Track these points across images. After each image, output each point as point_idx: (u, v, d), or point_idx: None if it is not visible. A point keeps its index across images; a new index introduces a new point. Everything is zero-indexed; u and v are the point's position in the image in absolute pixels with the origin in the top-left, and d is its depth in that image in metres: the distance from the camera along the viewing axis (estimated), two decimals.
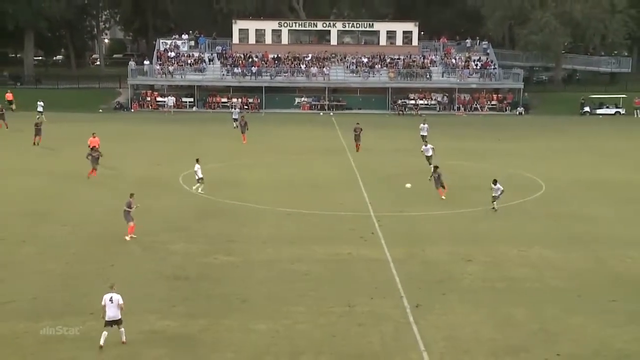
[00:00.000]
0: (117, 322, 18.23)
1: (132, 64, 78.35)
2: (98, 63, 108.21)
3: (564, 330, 19.52)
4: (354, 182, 38.13)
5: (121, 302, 18.23)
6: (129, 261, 24.98)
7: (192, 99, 76.14)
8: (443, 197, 33.76)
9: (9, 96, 69.41)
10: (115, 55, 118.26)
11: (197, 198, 34.46)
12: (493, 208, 32.04)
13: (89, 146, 40.36)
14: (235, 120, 60.48)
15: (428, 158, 40.25)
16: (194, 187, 35.31)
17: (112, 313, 18.14)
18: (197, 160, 35.52)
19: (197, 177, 35.12)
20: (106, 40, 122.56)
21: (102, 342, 18.00)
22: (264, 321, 19.84)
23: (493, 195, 32.79)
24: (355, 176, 39.55)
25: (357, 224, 29.98)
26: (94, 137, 41.99)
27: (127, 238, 26.88)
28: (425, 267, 24.65)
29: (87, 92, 79.37)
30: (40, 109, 62.01)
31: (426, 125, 48.20)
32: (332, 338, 18.89)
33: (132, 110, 74.40)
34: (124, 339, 18.24)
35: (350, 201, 33.98)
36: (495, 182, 32.40)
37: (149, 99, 76.48)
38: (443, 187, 34.06)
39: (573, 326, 19.82)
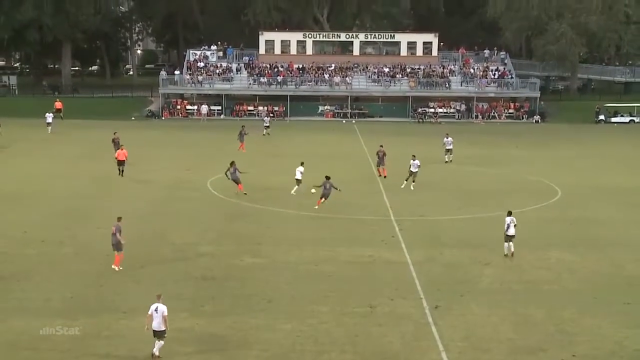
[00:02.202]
0: (158, 335, 17.60)
1: (163, 73, 78.86)
2: (131, 73, 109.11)
3: (580, 331, 19.30)
4: (376, 187, 38.02)
5: (166, 313, 17.61)
6: (159, 262, 25.07)
7: (220, 107, 76.44)
8: (316, 207, 32.48)
9: (59, 105, 70.05)
10: (147, 66, 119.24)
11: (224, 202, 34.55)
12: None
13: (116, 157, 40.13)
14: (267, 127, 60.73)
15: (413, 173, 37.10)
16: (292, 191, 35.33)
17: (156, 324, 17.60)
18: (302, 164, 36.11)
19: (296, 179, 35.53)
20: (139, 51, 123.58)
21: (156, 352, 17.52)
22: (289, 320, 19.83)
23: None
24: (376, 181, 39.43)
25: (378, 227, 29.89)
26: (122, 149, 40.78)
27: (116, 269, 23.91)
28: (444, 270, 24.50)
29: (120, 101, 79.98)
30: (49, 120, 59.65)
31: (450, 139, 47.33)
32: (355, 337, 18.83)
33: (163, 118, 74.83)
34: (156, 352, 17.53)
35: (372, 205, 33.88)
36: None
37: (179, 107, 76.90)
38: (325, 198, 32.51)
39: (589, 327, 19.59)
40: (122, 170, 39.60)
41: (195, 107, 76.76)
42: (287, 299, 21.55)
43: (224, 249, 26.69)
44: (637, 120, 73.46)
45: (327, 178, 32.84)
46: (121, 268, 23.86)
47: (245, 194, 35.23)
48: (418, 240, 27.92)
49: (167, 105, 76.95)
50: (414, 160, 37.18)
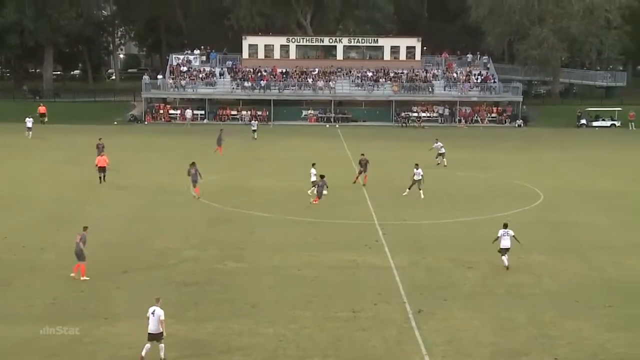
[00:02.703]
0: (156, 337, 17.62)
1: (146, 78, 78.66)
2: (113, 77, 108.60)
3: (562, 335, 19.42)
4: (359, 192, 38.07)
5: (162, 317, 17.69)
6: (142, 267, 24.96)
7: (203, 112, 76.28)
8: (315, 202, 34.41)
9: (42, 109, 69.57)
10: (130, 70, 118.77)
11: (207, 207, 34.48)
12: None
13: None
14: (255, 131, 60.96)
15: (416, 181, 36.43)
16: (308, 191, 36.06)
17: (152, 327, 17.63)
18: (313, 165, 36.94)
19: (312, 181, 36.10)
20: (121, 56, 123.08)
21: (143, 353, 17.53)
22: (272, 325, 19.80)
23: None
24: (359, 185, 39.48)
25: (361, 232, 29.93)
26: (102, 155, 40.49)
27: (82, 278, 23.22)
28: (428, 274, 24.58)
29: (103, 105, 79.60)
30: (29, 124, 58.93)
31: (440, 144, 47.66)
32: (338, 342, 18.83)
33: (146, 122, 74.58)
34: (162, 355, 17.56)
35: (355, 209, 33.93)
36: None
37: (162, 111, 76.68)
38: (319, 197, 34.46)
39: (570, 330, 19.72)
40: (104, 177, 39.29)
41: (179, 111, 76.61)
42: (270, 304, 21.53)
43: (207, 253, 26.63)
44: (618, 125, 74.11)
45: (322, 177, 34.83)
46: (88, 278, 23.22)
47: (199, 198, 35.39)
48: (401, 244, 27.98)
49: (149, 110, 76.71)
50: (417, 169, 36.57)
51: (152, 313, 17.76)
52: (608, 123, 74.53)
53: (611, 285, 23.55)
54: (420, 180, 36.27)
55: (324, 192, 35.06)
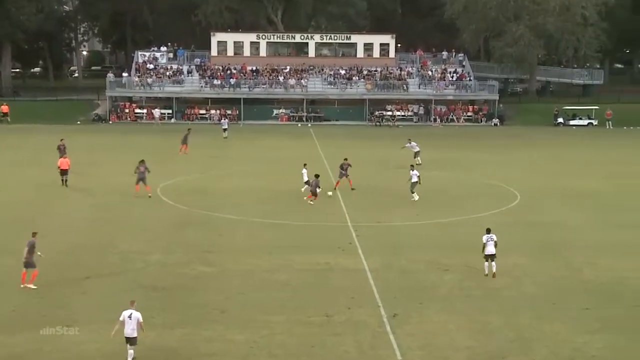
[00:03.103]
0: (131, 341, 17.71)
1: (110, 75, 78.04)
2: (76, 75, 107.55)
3: (539, 337, 19.63)
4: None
5: (141, 320, 17.82)
6: (106, 272, 24.77)
7: (170, 111, 75.87)
8: (311, 202, 35.12)
9: (5, 108, 68.67)
10: (93, 68, 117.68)
11: (175, 209, 34.32)
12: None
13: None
14: (225, 130, 60.88)
15: (412, 184, 36.33)
16: (302, 189, 36.57)
17: (129, 330, 17.69)
18: (305, 166, 37.23)
19: (304, 181, 36.56)
20: (84, 52, 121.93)
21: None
22: (242, 331, 19.76)
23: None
24: (332, 186, 39.53)
25: (335, 234, 29.99)
26: (64, 158, 39.96)
27: (30, 286, 22.77)
28: (402, 277, 24.69)
29: (65, 104, 78.81)
30: None
31: (414, 143, 47.98)
32: (311, 348, 18.85)
33: (111, 122, 73.99)
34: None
35: (328, 211, 33.98)
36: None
37: (127, 110, 76.12)
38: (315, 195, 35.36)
39: (548, 333, 19.94)
40: (66, 180, 38.78)
41: (145, 110, 76.14)
42: (240, 308, 21.49)
43: (174, 257, 26.50)
44: (596, 123, 75.05)
45: (317, 176, 35.58)
46: (35, 287, 22.74)
47: (150, 196, 35.91)
48: (375, 246, 28.08)
49: (114, 109, 76.08)
50: (412, 170, 36.55)
51: (129, 316, 17.75)
52: (585, 122, 75.43)
53: (588, 287, 23.87)
54: (416, 182, 36.01)
55: (329, 193, 36.44)
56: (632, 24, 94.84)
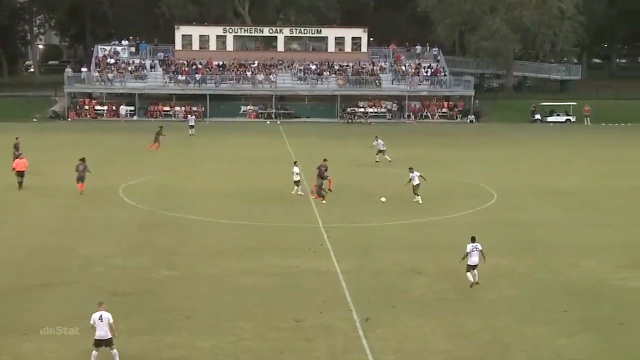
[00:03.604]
0: (107, 343, 17.79)
1: (68, 70, 77.35)
2: (32, 70, 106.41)
3: (517, 341, 19.79)
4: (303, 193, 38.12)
5: (111, 320, 17.90)
6: (67, 277, 24.52)
7: (132, 108, 75.35)
8: (324, 202, 35.31)
9: None
10: (50, 62, 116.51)
11: (138, 210, 34.11)
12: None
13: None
14: (192, 127, 60.71)
15: (414, 186, 35.85)
16: (292, 191, 36.74)
17: (102, 332, 17.73)
18: (295, 163, 37.36)
19: (295, 180, 36.68)
20: (40, 46, 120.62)
21: None
22: (209, 337, 19.68)
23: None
24: (303, 186, 39.54)
25: (305, 235, 30.00)
26: (20, 159, 38.93)
27: None
28: (375, 279, 24.76)
29: (20, 101, 77.96)
30: None
31: (380, 141, 48.36)
32: (280, 354, 18.83)
33: (69, 119, 73.34)
34: None
35: (299, 212, 34.00)
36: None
37: (87, 107, 75.48)
38: (320, 195, 35.72)
39: (526, 336, 20.11)
40: (21, 183, 37.88)
41: (106, 107, 75.58)
42: (206, 314, 21.40)
43: (138, 261, 26.32)
44: (574, 120, 75.94)
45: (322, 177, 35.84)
46: None
47: (81, 193, 36.45)
48: (347, 248, 28.14)
49: (73, 106, 75.46)
50: (412, 172, 35.92)
51: (100, 318, 17.80)
52: (563, 118, 76.34)
53: (567, 288, 24.12)
54: (419, 184, 35.62)
55: (300, 192, 36.68)
56: (610, 18, 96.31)
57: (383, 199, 35.17)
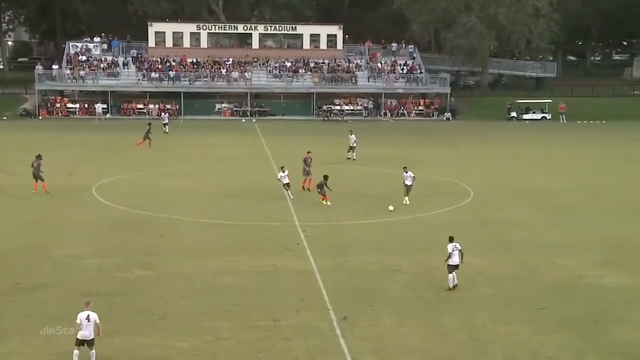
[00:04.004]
0: (89, 343, 17.76)
1: (39, 68, 76.66)
2: (1, 67, 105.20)
3: (493, 339, 19.95)
4: (279, 191, 38.09)
5: (98, 321, 17.93)
6: (38, 278, 24.32)
7: (105, 106, 74.85)
8: (326, 202, 34.80)
9: None
10: (20, 59, 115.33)
11: (112, 210, 33.91)
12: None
13: None
14: (166, 125, 60.41)
15: (408, 186, 35.62)
16: (288, 195, 36.09)
17: (86, 332, 17.74)
18: (282, 168, 36.66)
19: (284, 183, 36.05)
20: (10, 43, 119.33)
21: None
22: (185, 338, 19.63)
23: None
24: (279, 185, 39.51)
25: (282, 234, 30.00)
26: None
27: None
28: (353, 278, 24.82)
29: None
30: None
31: (353, 136, 48.68)
32: (257, 354, 18.83)
33: (40, 117, 72.67)
34: None
35: (275, 211, 33.98)
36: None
37: (58, 105, 74.84)
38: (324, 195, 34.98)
39: (503, 335, 20.28)
40: None
41: (77, 105, 75.02)
42: (182, 314, 21.34)
43: (112, 261, 26.16)
44: (549, 117, 76.60)
45: (325, 177, 34.82)
46: None
47: (34, 192, 36.25)
48: (324, 247, 28.18)
49: (44, 103, 74.79)
50: (406, 172, 35.51)
51: (87, 318, 17.79)
52: (539, 116, 76.98)
53: (544, 286, 24.33)
54: (411, 185, 35.26)
55: (290, 195, 35.85)
56: (584, 16, 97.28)
57: (391, 208, 33.49)
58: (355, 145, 48.26)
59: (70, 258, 26.44)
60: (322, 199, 34.94)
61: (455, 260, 23.38)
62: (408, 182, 35.32)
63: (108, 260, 26.28)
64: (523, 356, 19.00)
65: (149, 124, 54.39)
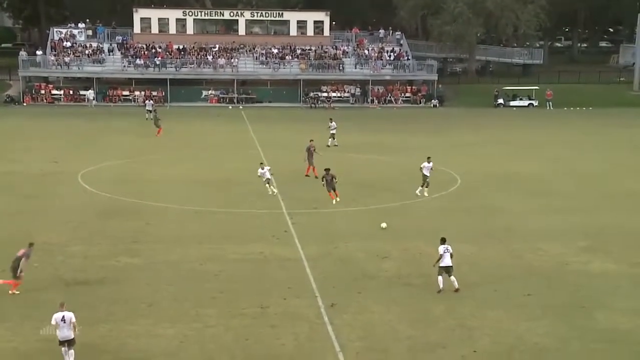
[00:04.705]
0: (70, 343, 17.45)
1: (23, 54, 75.95)
2: None
3: (480, 326, 20.07)
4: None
5: (74, 320, 17.52)
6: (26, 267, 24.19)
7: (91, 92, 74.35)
8: (335, 200, 32.81)
9: None
10: (3, 45, 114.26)
11: (97, 197, 33.80)
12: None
13: None
14: (149, 112, 60.02)
15: (425, 177, 34.68)
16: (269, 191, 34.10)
17: (65, 333, 17.41)
18: (261, 164, 35.10)
19: (265, 179, 34.27)
20: None
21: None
22: (172, 325, 19.64)
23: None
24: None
25: (269, 221, 30.01)
26: None
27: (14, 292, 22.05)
28: (340, 265, 24.89)
29: None
30: None
31: (334, 124, 48.73)
32: (245, 341, 18.87)
33: (25, 104, 72.16)
34: None
35: (262, 198, 33.93)
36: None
37: (43, 92, 74.35)
38: (334, 190, 32.86)
39: (489, 321, 20.40)
40: None
41: (62, 92, 74.59)
42: (169, 302, 21.34)
43: (97, 249, 26.11)
44: (536, 104, 76.79)
45: (327, 170, 32.83)
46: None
47: None
48: (312, 234, 28.22)
49: (29, 90, 74.25)
50: (428, 162, 34.64)
51: (62, 319, 17.42)
52: (526, 102, 77.10)
53: (530, 273, 24.49)
54: (428, 176, 34.41)
55: (274, 190, 34.20)
56: (571, 2, 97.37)
57: (384, 225, 29.36)
58: (334, 132, 48.21)
59: (55, 245, 26.35)
60: (333, 197, 32.92)
61: (447, 262, 22.44)
62: (426, 172, 34.40)
63: (94, 247, 26.23)
64: (509, 342, 19.14)
65: (155, 110, 54.54)
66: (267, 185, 34.39)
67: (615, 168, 43.41)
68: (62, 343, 17.45)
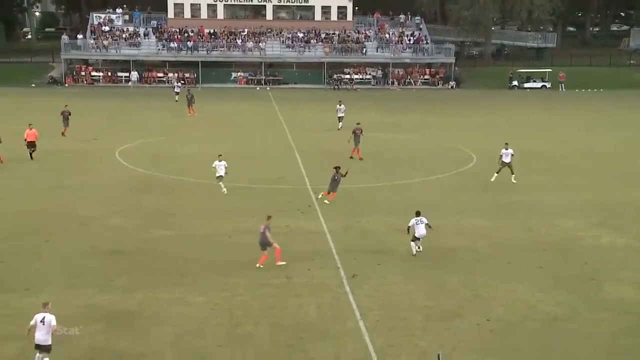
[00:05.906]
0: (45, 349, 15.23)
1: (65, 38, 76.26)
2: (29, 37, 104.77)
3: (494, 296, 19.88)
4: (291, 156, 37.97)
5: (54, 323, 15.29)
6: (64, 237, 24.37)
7: (127, 74, 74.58)
8: (327, 200, 29.07)
9: None
10: (47, 29, 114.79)
11: (134, 173, 33.87)
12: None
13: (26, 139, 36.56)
14: (178, 93, 59.89)
15: (506, 164, 32.71)
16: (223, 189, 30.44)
17: (42, 337, 15.18)
18: (219, 157, 30.11)
19: (218, 175, 29.97)
20: (37, 14, 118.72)
21: None
22: (203, 294, 19.65)
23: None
24: (292, 150, 39.38)
25: (294, 197, 29.90)
26: (31, 129, 36.81)
27: (278, 264, 21.80)
28: (361, 238, 24.76)
29: (18, 67, 76.91)
30: None
31: (343, 106, 47.56)
32: (271, 309, 18.83)
33: (66, 85, 72.52)
34: None
35: (288, 175, 33.85)
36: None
37: (83, 73, 74.66)
38: (334, 191, 29.18)
39: (503, 292, 20.20)
40: (32, 153, 36.17)
41: (101, 73, 74.85)
42: (200, 272, 21.35)
43: (133, 221, 26.17)
44: (549, 86, 75.87)
45: (337, 168, 29.21)
46: (284, 262, 21.74)
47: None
48: (335, 209, 28.07)
49: (70, 72, 74.59)
50: (506, 149, 32.65)
51: (42, 321, 15.26)
52: (539, 84, 76.25)
53: (543, 247, 24.20)
54: (509, 163, 32.54)
55: (224, 190, 29.96)
56: None
57: (417, 250, 24.42)
58: (343, 115, 46.85)
59: (94, 218, 26.45)
60: (327, 195, 29.15)
61: (421, 232, 22.65)
62: (506, 160, 32.58)
63: (130, 220, 26.29)
64: (522, 312, 18.94)
65: (188, 90, 54.30)
66: (218, 181, 29.98)
67: (626, 147, 42.76)
68: (37, 347, 15.29)
